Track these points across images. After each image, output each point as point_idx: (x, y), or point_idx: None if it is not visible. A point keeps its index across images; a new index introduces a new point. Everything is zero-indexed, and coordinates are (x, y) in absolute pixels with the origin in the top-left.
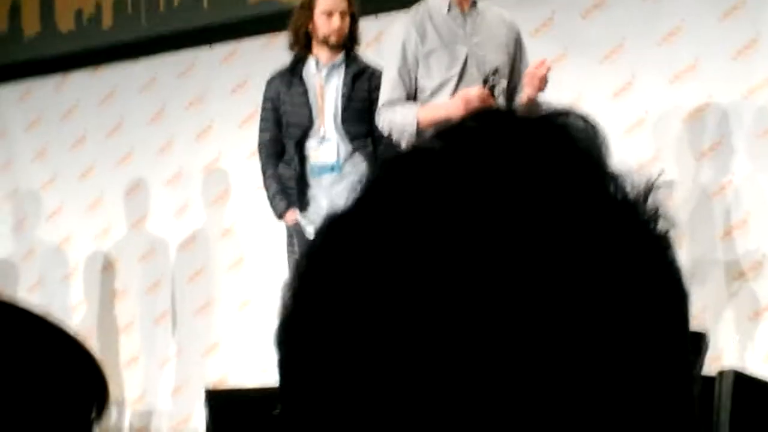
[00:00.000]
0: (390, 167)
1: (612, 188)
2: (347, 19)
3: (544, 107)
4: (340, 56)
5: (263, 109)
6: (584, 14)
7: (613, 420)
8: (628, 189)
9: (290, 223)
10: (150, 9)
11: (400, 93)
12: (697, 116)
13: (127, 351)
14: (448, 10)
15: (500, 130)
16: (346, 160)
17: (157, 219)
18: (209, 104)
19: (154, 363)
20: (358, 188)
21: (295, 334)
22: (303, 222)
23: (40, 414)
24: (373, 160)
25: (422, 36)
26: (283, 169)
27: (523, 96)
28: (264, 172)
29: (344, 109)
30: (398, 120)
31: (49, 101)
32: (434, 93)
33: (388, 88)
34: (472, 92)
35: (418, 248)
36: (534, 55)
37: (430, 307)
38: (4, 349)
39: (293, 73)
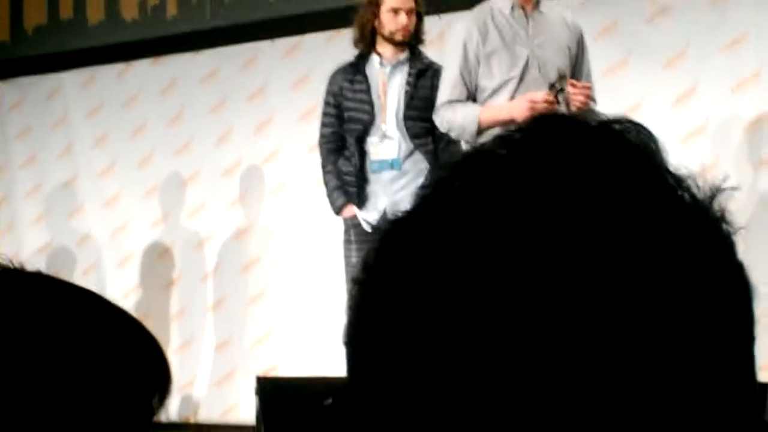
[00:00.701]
0: (455, 170)
1: (679, 191)
2: (413, 17)
3: (599, 115)
4: (405, 54)
5: (325, 103)
6: (649, 19)
7: (678, 417)
8: (695, 192)
9: (348, 217)
10: (214, 0)
11: (461, 92)
12: (757, 126)
13: (178, 338)
14: (511, 10)
15: (564, 137)
16: (406, 157)
17: (213, 209)
18: (270, 97)
19: (205, 351)
20: (423, 189)
21: (362, 333)
22: (361, 217)
23: (103, 397)
24: (434, 158)
25: (484, 36)
26: (342, 164)
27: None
28: (324, 167)
29: (407, 107)
30: (459, 119)
31: (110, 89)
32: (494, 93)
33: (449, 87)
34: (538, 96)
35: (485, 250)
36: (597, 58)
37: (498, 308)
38: (71, 333)
39: (356, 68)
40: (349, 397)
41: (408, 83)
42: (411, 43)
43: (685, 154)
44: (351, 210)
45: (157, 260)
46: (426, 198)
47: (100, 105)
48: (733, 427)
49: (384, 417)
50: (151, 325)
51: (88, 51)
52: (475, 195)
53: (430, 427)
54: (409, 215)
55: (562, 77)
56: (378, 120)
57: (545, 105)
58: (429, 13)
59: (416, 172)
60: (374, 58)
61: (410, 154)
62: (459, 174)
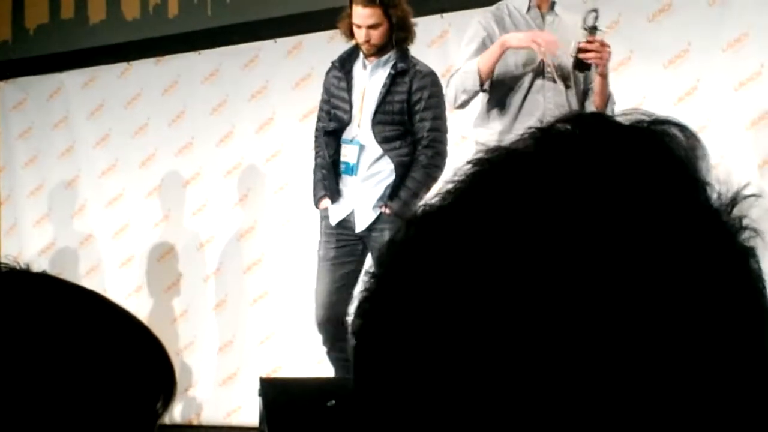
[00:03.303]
0: (486, 169)
1: (703, 197)
2: (381, 29)
3: (642, 114)
4: (388, 55)
5: (321, 98)
6: (650, 18)
7: (688, 421)
8: (719, 199)
9: (322, 209)
10: (216, 0)
11: None
12: (760, 124)
13: (181, 339)
14: (528, 9)
15: (595, 138)
16: (374, 161)
17: (215, 209)
18: (272, 97)
19: (208, 352)
20: (453, 186)
21: (372, 328)
22: (329, 211)
23: (107, 401)
24: (409, 162)
25: (502, 30)
26: (320, 157)
27: (598, 73)
28: (315, 159)
29: (377, 111)
30: (462, 70)
31: (112, 89)
32: (508, 88)
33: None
34: (544, 35)
35: (508, 250)
36: None
37: (516, 309)
38: (76, 336)
39: (344, 66)
40: (354, 387)
41: (384, 85)
42: (395, 44)
43: None
44: (326, 202)
45: (159, 261)
46: (456, 195)
47: (101, 105)
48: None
49: (389, 412)
50: (153, 327)
51: (89, 51)
52: (502, 197)
53: (436, 427)
54: (436, 211)
55: (590, 12)
56: (354, 121)
57: (546, 39)
58: (431, 12)
59: (386, 174)
60: (360, 56)
61: (380, 157)
62: (489, 174)
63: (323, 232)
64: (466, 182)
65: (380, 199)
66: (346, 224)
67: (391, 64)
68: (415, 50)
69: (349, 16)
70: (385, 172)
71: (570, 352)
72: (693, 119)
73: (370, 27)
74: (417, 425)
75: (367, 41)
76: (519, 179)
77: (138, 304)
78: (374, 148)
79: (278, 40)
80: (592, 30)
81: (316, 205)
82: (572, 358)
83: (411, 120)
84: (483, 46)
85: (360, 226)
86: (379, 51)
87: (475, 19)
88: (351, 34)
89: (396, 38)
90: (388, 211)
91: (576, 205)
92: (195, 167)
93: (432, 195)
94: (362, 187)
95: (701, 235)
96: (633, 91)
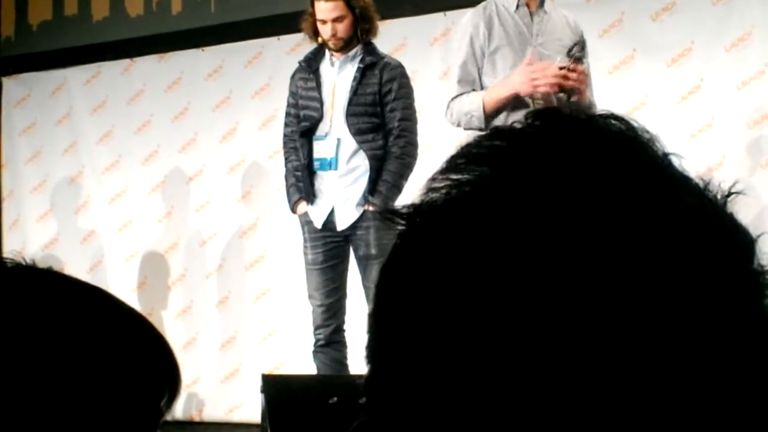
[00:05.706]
0: (469, 167)
1: (685, 195)
2: (346, 22)
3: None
4: (355, 50)
5: (287, 103)
6: (654, 17)
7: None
8: (702, 196)
9: (299, 214)
10: None
11: (468, 85)
12: (763, 123)
13: (183, 335)
14: (516, 8)
15: (566, 136)
16: (352, 155)
17: (218, 206)
18: (275, 94)
19: (210, 349)
20: (438, 183)
21: (388, 325)
22: (310, 214)
23: (112, 398)
24: (383, 154)
25: (490, 31)
26: (294, 161)
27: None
28: (285, 165)
29: (350, 103)
30: (465, 108)
31: (115, 85)
32: None
33: (455, 83)
34: (546, 70)
35: (496, 248)
36: (602, 56)
37: (510, 302)
38: (81, 332)
39: (310, 66)
40: (368, 386)
41: (354, 79)
42: (359, 38)
43: (691, 153)
44: (303, 206)
45: (162, 257)
46: (451, 194)
47: (105, 101)
48: None
49: (401, 402)
50: (156, 323)
51: (93, 47)
52: (484, 195)
53: (446, 418)
54: (427, 211)
55: (575, 46)
56: (326, 118)
57: (552, 78)
58: (434, 10)
59: (363, 170)
60: (327, 55)
61: (355, 151)
62: (469, 172)
63: (308, 237)
64: (454, 182)
65: (362, 197)
66: (329, 225)
67: (359, 58)
68: (418, 48)
69: (312, 15)
70: (362, 167)
71: (550, 346)
72: (696, 118)
73: (335, 20)
74: (432, 410)
75: (334, 35)
76: (501, 178)
77: (140, 300)
78: (350, 142)
79: (281, 37)
80: (578, 60)
81: (293, 210)
82: (553, 351)
83: (383, 111)
84: (471, 50)
85: (342, 225)
86: (345, 46)
87: (463, 18)
88: (315, 36)
89: (360, 30)
90: (370, 207)
91: (573, 203)
92: (198, 164)
93: (419, 192)
94: (340, 184)
95: (684, 232)
96: (636, 90)
